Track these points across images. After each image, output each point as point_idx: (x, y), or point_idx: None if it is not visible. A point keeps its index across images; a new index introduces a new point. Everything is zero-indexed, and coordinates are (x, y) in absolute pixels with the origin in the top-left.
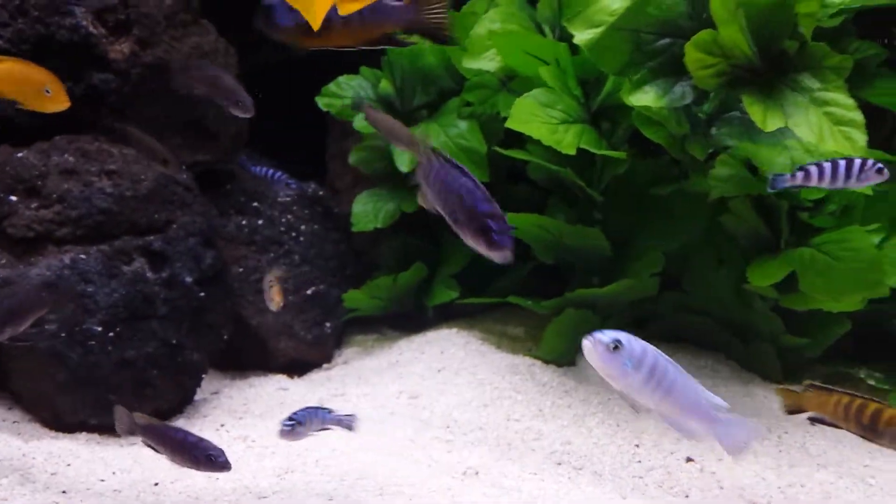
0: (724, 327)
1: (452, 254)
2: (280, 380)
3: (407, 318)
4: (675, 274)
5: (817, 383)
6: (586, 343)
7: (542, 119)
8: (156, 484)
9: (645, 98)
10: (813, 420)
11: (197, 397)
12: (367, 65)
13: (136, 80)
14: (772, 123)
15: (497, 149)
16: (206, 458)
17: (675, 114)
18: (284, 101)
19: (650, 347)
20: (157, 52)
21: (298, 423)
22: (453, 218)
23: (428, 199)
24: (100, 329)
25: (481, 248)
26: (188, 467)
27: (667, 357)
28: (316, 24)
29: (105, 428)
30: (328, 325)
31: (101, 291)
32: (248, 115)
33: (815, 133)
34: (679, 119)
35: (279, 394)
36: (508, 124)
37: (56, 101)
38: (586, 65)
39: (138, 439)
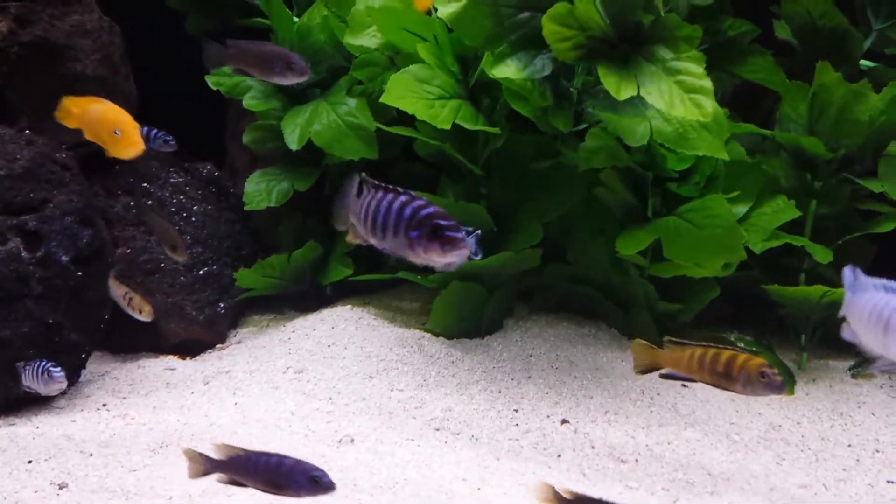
0: (605, 296)
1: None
2: (169, 360)
3: (306, 298)
4: (560, 246)
5: (674, 339)
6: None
7: (417, 94)
8: (29, 461)
9: (506, 70)
10: (665, 377)
11: (82, 378)
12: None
13: (14, 60)
14: (625, 92)
15: (380, 126)
16: (311, 480)
17: (539, 87)
18: (183, 81)
19: None
20: (36, 31)
21: None
22: (395, 236)
23: (360, 234)
24: None
25: (436, 255)
26: (288, 496)
27: None
28: None
29: None
30: (221, 305)
31: None
32: (303, 78)
33: (665, 101)
34: (543, 92)
35: (166, 374)
36: (383, 99)
37: (126, 144)
38: (462, 41)
39: (18, 420)
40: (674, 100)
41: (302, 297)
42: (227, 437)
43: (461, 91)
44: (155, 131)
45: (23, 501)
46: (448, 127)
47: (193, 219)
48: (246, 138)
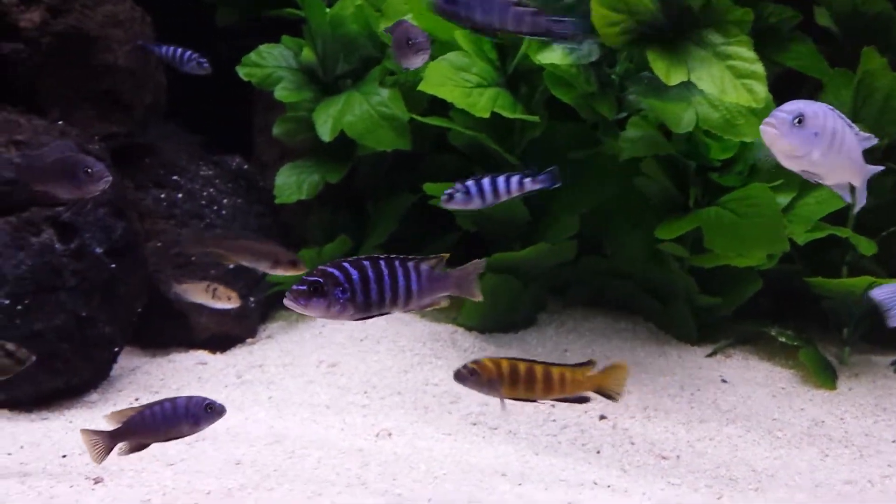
0: (643, 289)
1: (378, 225)
2: (200, 355)
3: None
4: (595, 238)
5: None
6: (766, 128)
7: (455, 82)
8: (63, 456)
9: (552, 56)
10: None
11: (114, 373)
12: (290, 34)
13: (46, 50)
14: (675, 78)
15: (414, 116)
16: (206, 408)
17: (584, 72)
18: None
19: (824, 106)
20: (68, 21)
21: None
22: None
23: None
24: (7, 302)
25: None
26: (195, 432)
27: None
28: None
29: (13, 403)
30: (252, 299)
31: (8, 263)
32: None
33: (717, 86)
34: (588, 78)
35: (197, 368)
36: (421, 87)
37: None
38: None
39: (50, 414)
40: (725, 85)
41: None
42: (264, 431)
43: (499, 79)
44: (189, 53)
45: (58, 497)
46: (487, 115)
47: (224, 212)
48: (276, 130)
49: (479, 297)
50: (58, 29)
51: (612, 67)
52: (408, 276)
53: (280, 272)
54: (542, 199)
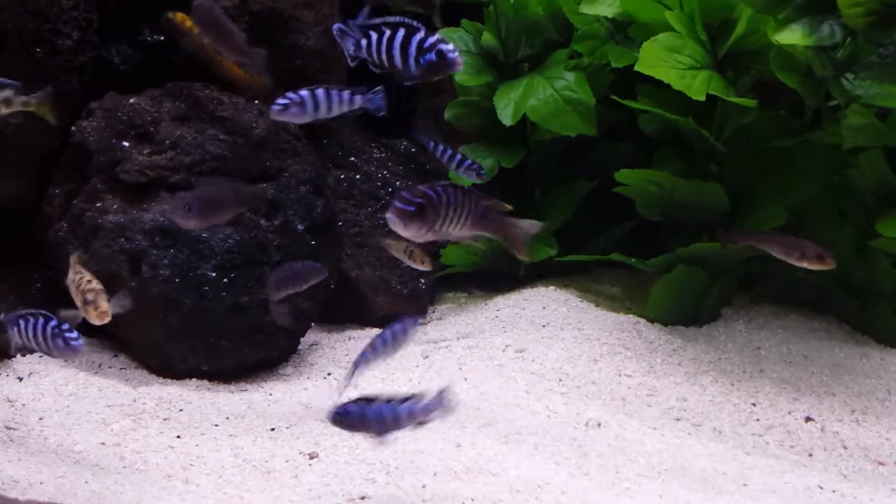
0: (841, 287)
1: (551, 211)
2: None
3: (495, 278)
4: (789, 231)
5: None
6: None
7: (669, 63)
8: (272, 429)
9: (792, 36)
10: None
11: (300, 347)
12: (469, 18)
13: (243, 29)
14: None
15: (615, 97)
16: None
17: (819, 55)
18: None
19: None
20: (265, 1)
21: None
22: None
23: None
24: (214, 275)
25: None
26: None
27: None
28: None
29: (215, 374)
30: (422, 280)
31: (215, 237)
32: None
33: None
34: (823, 61)
35: None
36: (637, 67)
37: None
38: (712, 9)
39: (249, 386)
40: None
41: (489, 276)
42: (471, 413)
43: (710, 61)
44: (468, 161)
45: (275, 471)
46: (703, 98)
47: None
48: (448, 114)
49: (524, 255)
50: (254, 8)
51: (834, 51)
52: (470, 204)
53: (806, 265)
54: (743, 187)
